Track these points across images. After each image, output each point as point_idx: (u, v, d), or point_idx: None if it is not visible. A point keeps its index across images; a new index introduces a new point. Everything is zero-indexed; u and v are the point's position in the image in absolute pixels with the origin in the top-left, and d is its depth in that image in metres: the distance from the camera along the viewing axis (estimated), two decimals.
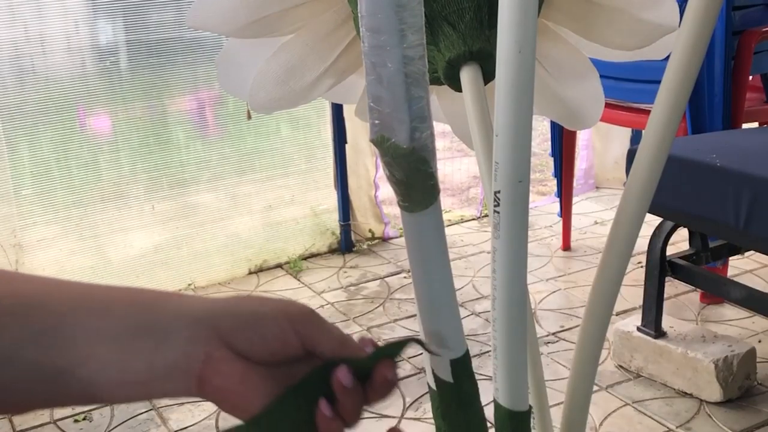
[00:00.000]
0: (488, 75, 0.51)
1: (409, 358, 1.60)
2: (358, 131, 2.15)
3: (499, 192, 0.37)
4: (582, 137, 2.45)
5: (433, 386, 0.42)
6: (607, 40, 0.55)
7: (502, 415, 0.41)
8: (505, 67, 0.35)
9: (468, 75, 0.50)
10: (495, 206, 0.38)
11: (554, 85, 0.59)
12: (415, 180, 0.32)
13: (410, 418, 1.42)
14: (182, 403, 1.49)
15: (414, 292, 0.38)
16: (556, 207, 2.17)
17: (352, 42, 0.62)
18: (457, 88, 0.52)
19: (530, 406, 0.42)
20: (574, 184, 2.39)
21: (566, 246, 2.10)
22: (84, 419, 1.49)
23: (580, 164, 2.49)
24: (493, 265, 0.38)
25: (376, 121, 0.30)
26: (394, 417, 1.42)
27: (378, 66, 0.29)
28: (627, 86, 1.55)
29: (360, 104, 0.69)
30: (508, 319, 0.39)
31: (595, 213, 2.40)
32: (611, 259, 0.44)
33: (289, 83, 0.63)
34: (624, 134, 2.45)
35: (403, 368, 1.58)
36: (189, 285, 1.98)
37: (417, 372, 1.59)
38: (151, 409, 1.50)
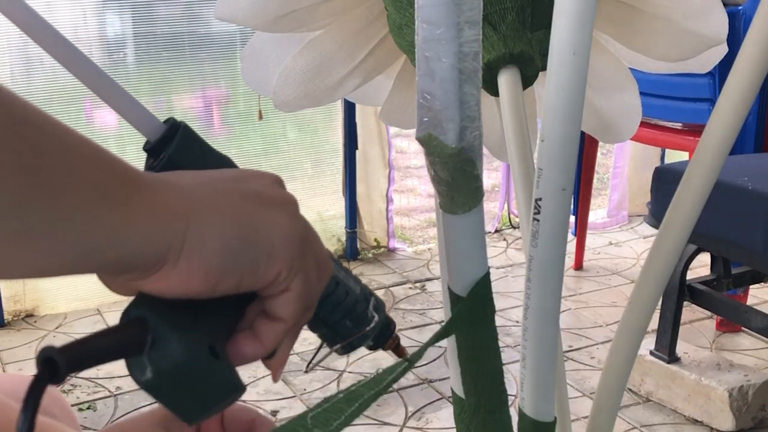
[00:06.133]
0: (527, 80, 0.49)
1: (413, 367, 1.58)
2: (368, 138, 2.13)
3: (540, 199, 0.36)
4: (615, 164, 2.37)
5: (458, 392, 0.41)
6: (650, 50, 0.53)
7: (526, 425, 0.40)
8: (558, 69, 0.34)
9: (506, 78, 0.48)
10: (535, 214, 0.36)
11: (591, 95, 0.58)
12: (460, 181, 0.31)
13: (412, 428, 1.40)
14: None
15: (443, 297, 0.37)
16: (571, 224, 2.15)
17: (382, 41, 0.60)
18: (494, 92, 0.50)
19: (555, 418, 0.41)
20: (605, 217, 2.33)
21: (578, 265, 2.07)
22: (88, 408, 1.47)
23: (611, 194, 2.41)
24: (529, 273, 0.37)
25: (425, 119, 0.29)
26: (395, 425, 1.40)
27: (432, 60, 0.28)
28: (653, 102, 1.52)
29: (385, 107, 0.67)
30: (540, 328, 0.38)
31: (610, 234, 2.37)
32: (647, 284, 0.43)
33: (314, 81, 0.62)
34: (656, 161, 2.37)
35: (406, 377, 1.56)
36: None
37: (420, 382, 1.57)
38: (154, 402, 1.48)
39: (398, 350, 0.37)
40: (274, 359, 0.31)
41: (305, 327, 0.32)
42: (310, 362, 0.36)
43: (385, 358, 1.66)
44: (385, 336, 0.36)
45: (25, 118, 0.23)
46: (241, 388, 0.29)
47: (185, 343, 0.27)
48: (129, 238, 0.25)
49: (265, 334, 0.29)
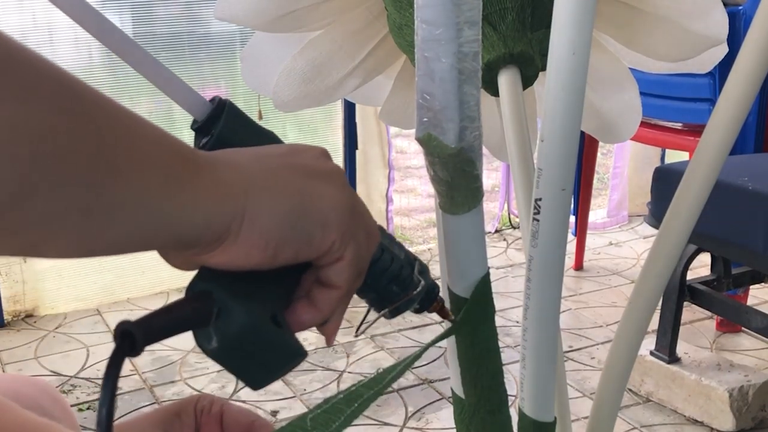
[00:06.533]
0: (527, 80, 0.49)
1: (413, 368, 1.58)
2: (368, 138, 2.13)
3: (540, 199, 0.36)
4: (615, 164, 2.37)
5: (458, 392, 0.41)
6: (650, 50, 0.53)
7: (526, 425, 0.40)
8: (557, 69, 0.34)
9: (506, 78, 0.48)
10: (535, 214, 0.36)
11: (592, 96, 0.58)
12: (460, 181, 0.31)
13: (412, 428, 1.40)
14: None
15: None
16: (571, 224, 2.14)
17: (382, 41, 0.60)
18: (494, 92, 0.50)
19: (555, 418, 0.41)
20: (605, 217, 2.33)
21: (578, 266, 2.07)
22: (88, 408, 1.47)
23: (611, 194, 2.41)
24: (528, 273, 0.37)
25: (425, 119, 0.29)
26: (395, 426, 1.40)
27: (431, 61, 0.28)
28: (653, 102, 1.52)
29: (385, 107, 0.67)
30: (540, 328, 0.38)
31: (611, 234, 2.37)
32: (647, 284, 0.43)
33: (314, 81, 0.62)
34: (657, 161, 2.36)
35: (406, 378, 1.55)
36: None
37: (420, 382, 1.57)
38: (153, 403, 1.48)
39: (443, 312, 0.37)
40: (329, 325, 0.32)
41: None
42: (359, 327, 0.36)
43: (384, 359, 1.66)
44: (430, 299, 0.36)
45: (95, 103, 0.25)
46: (303, 353, 0.30)
47: (249, 313, 0.28)
48: (194, 216, 0.26)
49: (321, 301, 0.31)
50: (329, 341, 0.33)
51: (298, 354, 0.30)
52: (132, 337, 0.25)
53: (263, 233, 0.28)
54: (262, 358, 0.29)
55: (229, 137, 0.33)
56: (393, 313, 0.35)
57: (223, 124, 0.33)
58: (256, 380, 0.29)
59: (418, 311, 0.36)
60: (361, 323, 0.36)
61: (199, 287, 0.28)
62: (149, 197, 0.25)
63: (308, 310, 0.31)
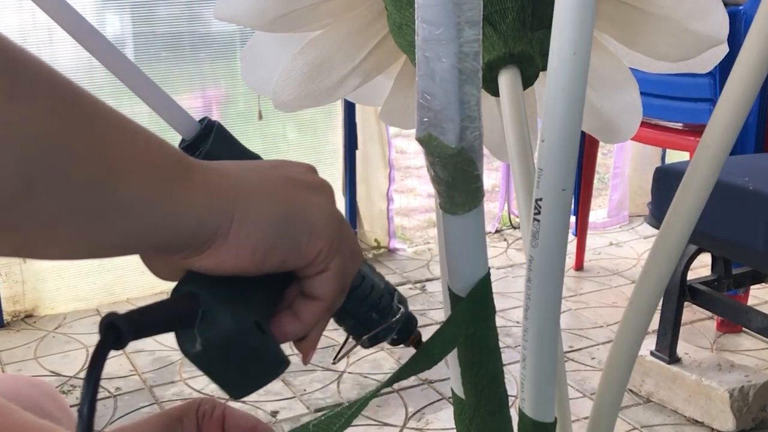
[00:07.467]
0: (527, 80, 0.49)
1: None
2: (368, 138, 2.13)
3: (540, 200, 0.36)
4: (615, 164, 2.36)
5: (458, 393, 0.41)
6: (651, 50, 0.53)
7: (526, 426, 0.40)
8: (558, 69, 0.34)
9: (507, 78, 0.48)
10: (535, 214, 0.36)
11: (592, 95, 0.58)
12: (460, 182, 0.31)
13: (412, 428, 1.40)
14: (185, 399, 1.47)
15: (443, 298, 0.37)
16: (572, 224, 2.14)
17: (382, 41, 0.60)
18: (494, 92, 0.50)
19: (555, 418, 0.41)
20: (605, 217, 2.33)
21: (579, 266, 2.07)
22: None
23: (612, 194, 2.41)
24: (529, 274, 0.37)
25: (425, 119, 0.29)
26: (395, 426, 1.40)
27: (431, 61, 0.28)
28: (653, 102, 1.52)
29: (385, 107, 0.67)
30: (540, 329, 0.38)
31: (611, 234, 2.37)
32: (648, 284, 0.43)
33: (314, 81, 0.62)
34: (657, 161, 2.36)
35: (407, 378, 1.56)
36: None
37: (420, 383, 1.57)
38: (153, 403, 1.48)
39: (419, 346, 0.37)
40: (307, 341, 0.32)
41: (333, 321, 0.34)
42: (338, 354, 0.36)
43: (384, 359, 1.66)
44: (408, 330, 0.36)
45: (92, 105, 0.25)
46: (286, 362, 0.30)
47: (234, 317, 0.28)
48: (186, 217, 0.27)
49: (304, 313, 0.31)
50: (306, 359, 0.33)
51: (282, 362, 0.29)
52: (118, 330, 0.25)
53: (252, 237, 0.28)
54: (245, 363, 0.28)
55: (215, 156, 0.34)
56: (371, 341, 0.35)
57: (212, 144, 0.34)
58: (238, 388, 0.29)
59: (395, 342, 0.36)
60: (340, 350, 0.36)
61: (185, 289, 0.28)
62: (145, 198, 0.25)
63: (291, 321, 0.31)
